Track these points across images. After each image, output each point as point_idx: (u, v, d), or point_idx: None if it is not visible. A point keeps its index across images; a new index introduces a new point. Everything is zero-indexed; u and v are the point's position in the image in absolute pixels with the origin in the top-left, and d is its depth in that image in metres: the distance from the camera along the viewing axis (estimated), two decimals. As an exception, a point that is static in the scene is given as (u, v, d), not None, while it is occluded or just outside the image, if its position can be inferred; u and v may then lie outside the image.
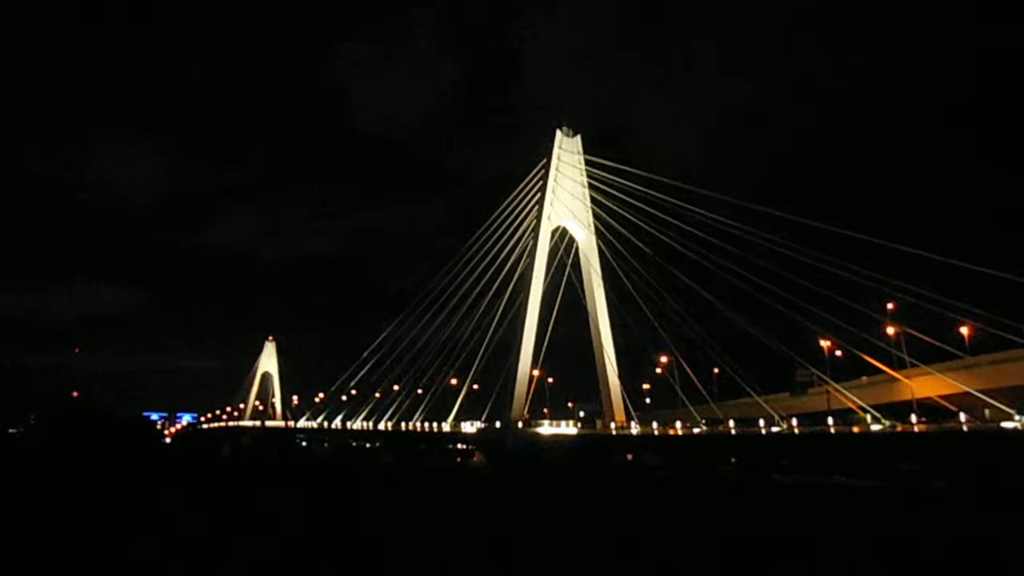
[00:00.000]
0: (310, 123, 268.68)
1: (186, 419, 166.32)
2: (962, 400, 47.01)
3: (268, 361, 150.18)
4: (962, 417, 44.29)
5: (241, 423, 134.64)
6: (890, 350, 50.65)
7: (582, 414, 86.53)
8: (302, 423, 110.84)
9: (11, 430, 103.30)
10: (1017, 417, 41.06)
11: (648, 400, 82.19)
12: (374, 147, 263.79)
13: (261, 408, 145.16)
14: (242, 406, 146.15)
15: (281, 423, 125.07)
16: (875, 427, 46.28)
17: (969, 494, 33.60)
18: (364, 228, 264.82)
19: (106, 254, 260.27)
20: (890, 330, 51.88)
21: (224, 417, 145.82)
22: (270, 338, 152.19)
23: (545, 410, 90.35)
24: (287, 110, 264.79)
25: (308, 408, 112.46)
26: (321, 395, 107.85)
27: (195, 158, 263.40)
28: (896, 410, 52.11)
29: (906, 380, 50.74)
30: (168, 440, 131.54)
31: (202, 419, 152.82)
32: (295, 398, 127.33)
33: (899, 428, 45.65)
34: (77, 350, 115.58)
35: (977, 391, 44.73)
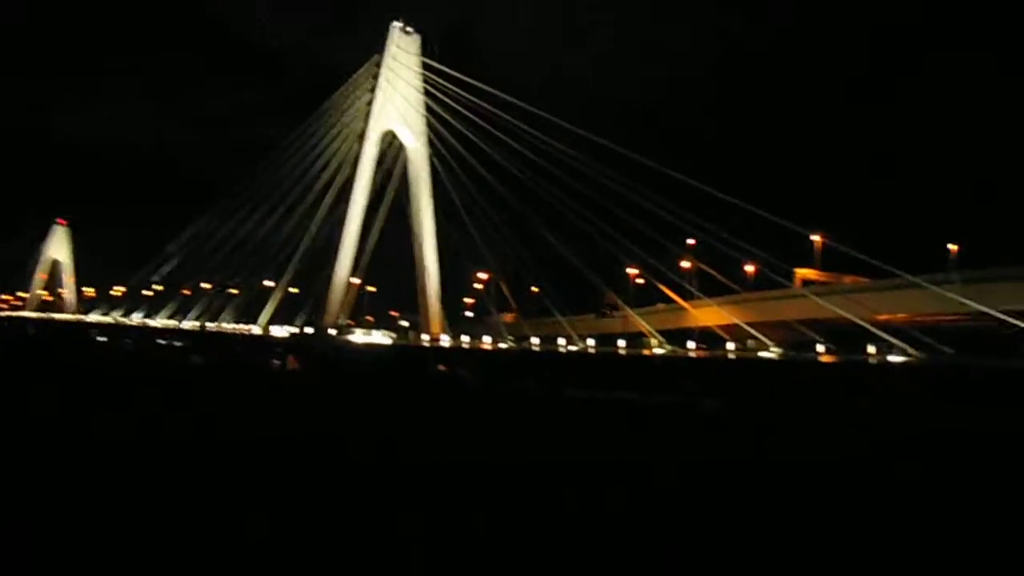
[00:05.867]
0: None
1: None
2: (735, 331, 52.72)
3: (59, 248, 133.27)
4: (730, 346, 49.69)
5: (22, 313, 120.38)
6: (681, 283, 55.24)
7: (406, 324, 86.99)
8: (95, 317, 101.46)
9: None
10: (772, 349, 46.79)
11: (470, 315, 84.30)
12: (203, 25, 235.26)
13: (50, 299, 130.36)
14: (24, 295, 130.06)
15: (71, 316, 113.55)
16: (658, 351, 50.74)
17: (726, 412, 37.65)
18: (183, 111, 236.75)
19: None
20: (685, 264, 56.45)
21: (3, 306, 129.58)
22: (60, 221, 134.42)
23: (369, 318, 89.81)
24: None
25: (105, 302, 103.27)
26: (122, 289, 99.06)
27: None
28: (682, 336, 57.51)
29: (693, 310, 55.79)
30: None
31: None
32: (90, 291, 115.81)
33: (677, 352, 50.41)
34: None
35: (746, 323, 50.22)
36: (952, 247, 47.63)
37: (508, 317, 69.25)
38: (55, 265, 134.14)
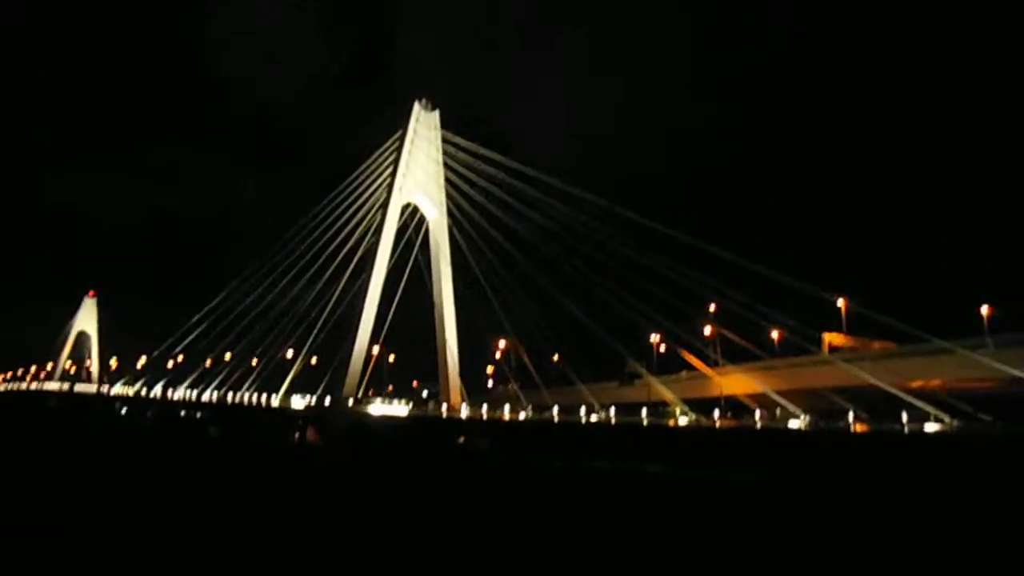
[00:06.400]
0: (172, 88, 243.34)
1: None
2: (762, 399, 51.09)
3: (87, 319, 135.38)
4: (756, 415, 48.06)
5: (44, 386, 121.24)
6: (704, 350, 54.10)
7: (425, 394, 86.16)
8: (117, 389, 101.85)
9: None
10: (801, 417, 45.11)
11: (490, 384, 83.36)
12: (236, 120, 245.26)
13: (74, 371, 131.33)
14: (51, 366, 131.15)
15: (93, 388, 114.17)
16: (683, 420, 49.17)
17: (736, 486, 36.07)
18: (217, 196, 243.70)
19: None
20: (707, 330, 55.40)
21: (28, 378, 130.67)
22: (91, 293, 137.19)
23: (390, 387, 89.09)
24: (151, 72, 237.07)
25: (129, 373, 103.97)
26: (144, 359, 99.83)
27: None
28: (708, 405, 55.82)
29: (717, 377, 54.37)
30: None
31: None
32: (113, 361, 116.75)
33: (702, 422, 48.80)
34: None
35: (774, 391, 48.67)
36: (984, 310, 46.25)
37: (526, 386, 68.11)
38: (82, 336, 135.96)
